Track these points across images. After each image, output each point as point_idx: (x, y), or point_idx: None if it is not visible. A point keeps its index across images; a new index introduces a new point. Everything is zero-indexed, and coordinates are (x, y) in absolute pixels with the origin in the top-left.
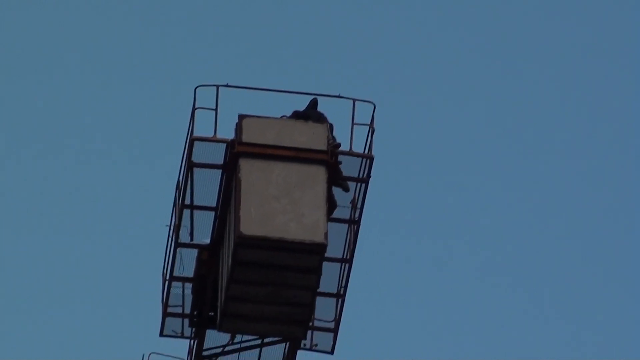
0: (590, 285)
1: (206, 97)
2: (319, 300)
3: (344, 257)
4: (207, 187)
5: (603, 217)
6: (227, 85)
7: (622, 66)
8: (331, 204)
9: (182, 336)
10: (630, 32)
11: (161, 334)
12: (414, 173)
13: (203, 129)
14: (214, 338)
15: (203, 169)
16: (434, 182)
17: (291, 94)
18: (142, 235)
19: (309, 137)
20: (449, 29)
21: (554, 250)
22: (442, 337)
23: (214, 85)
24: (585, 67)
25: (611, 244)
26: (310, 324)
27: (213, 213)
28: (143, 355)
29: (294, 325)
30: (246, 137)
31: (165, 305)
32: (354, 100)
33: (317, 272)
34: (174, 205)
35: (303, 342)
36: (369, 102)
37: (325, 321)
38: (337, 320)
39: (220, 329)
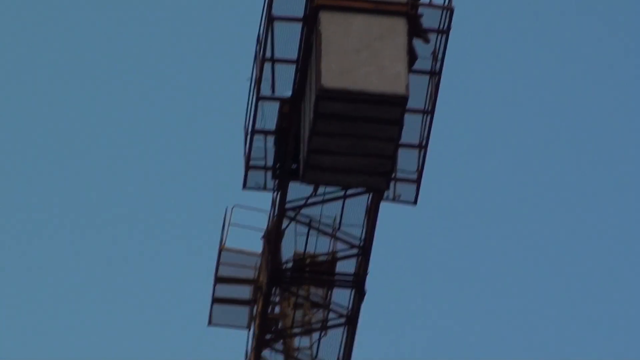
0: (590, 285)
1: None
2: (402, 151)
3: (426, 108)
4: (288, 40)
5: (603, 216)
6: None
7: (622, 66)
8: (412, 56)
9: (265, 189)
10: (631, 32)
11: (244, 187)
12: (493, 25)
13: None
14: (297, 190)
15: (283, 22)
16: (515, 36)
17: None
18: (224, 89)
19: None
20: None
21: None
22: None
23: None
24: (585, 67)
25: (611, 244)
26: (393, 175)
27: (294, 66)
28: (226, 209)
29: (377, 176)
30: None
31: (248, 158)
32: None
33: (399, 123)
34: (255, 59)
35: (386, 193)
36: None
37: (408, 172)
38: (420, 171)
39: (304, 180)
